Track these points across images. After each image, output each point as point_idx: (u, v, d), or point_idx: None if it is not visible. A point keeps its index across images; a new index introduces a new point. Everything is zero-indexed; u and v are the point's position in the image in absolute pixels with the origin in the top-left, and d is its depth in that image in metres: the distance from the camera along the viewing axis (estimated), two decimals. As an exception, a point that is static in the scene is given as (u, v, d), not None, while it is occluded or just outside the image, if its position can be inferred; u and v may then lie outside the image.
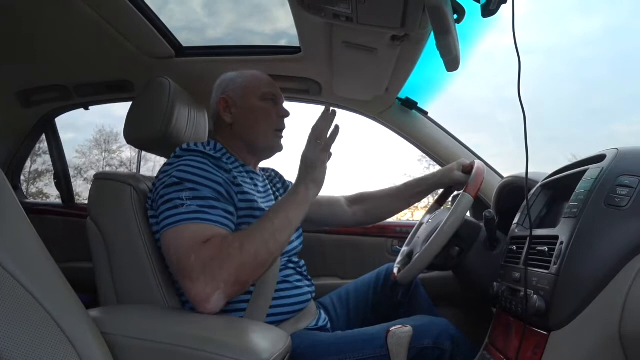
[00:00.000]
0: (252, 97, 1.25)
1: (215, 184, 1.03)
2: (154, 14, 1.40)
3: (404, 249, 1.44)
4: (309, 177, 1.05)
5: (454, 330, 1.11)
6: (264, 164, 1.37)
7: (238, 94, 1.25)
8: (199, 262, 0.89)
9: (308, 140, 1.07)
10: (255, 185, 1.24)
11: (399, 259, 1.41)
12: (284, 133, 1.30)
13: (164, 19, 1.56)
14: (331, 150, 1.07)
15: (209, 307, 0.89)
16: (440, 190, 1.58)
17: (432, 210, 1.57)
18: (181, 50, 1.62)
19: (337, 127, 1.07)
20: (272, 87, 1.29)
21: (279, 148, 1.29)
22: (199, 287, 0.88)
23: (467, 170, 1.44)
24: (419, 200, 1.58)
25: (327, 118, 1.06)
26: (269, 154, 1.31)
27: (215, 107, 1.27)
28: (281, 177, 1.49)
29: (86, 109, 2.03)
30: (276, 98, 1.28)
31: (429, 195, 1.66)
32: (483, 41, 1.44)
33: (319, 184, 1.07)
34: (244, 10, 1.65)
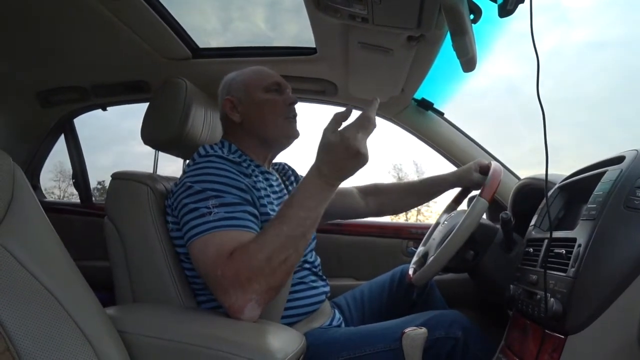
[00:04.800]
0: (256, 91, 1.23)
1: (239, 190, 1.02)
2: (170, 15, 1.41)
3: (420, 249, 1.44)
4: (347, 168, 0.93)
5: (465, 320, 1.10)
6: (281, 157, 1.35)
7: (241, 92, 1.23)
8: (226, 276, 0.88)
9: (356, 129, 0.91)
10: (271, 185, 1.23)
11: (414, 259, 1.40)
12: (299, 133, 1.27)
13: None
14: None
15: (244, 317, 0.88)
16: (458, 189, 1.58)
17: (449, 209, 1.56)
18: (198, 52, 1.63)
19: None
20: (274, 77, 1.26)
21: (295, 134, 1.25)
22: (230, 299, 0.88)
23: (485, 170, 1.43)
24: (433, 199, 1.58)
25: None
26: (285, 144, 1.26)
27: (222, 110, 1.26)
28: (294, 171, 1.47)
29: (104, 109, 2.07)
30: (280, 87, 1.25)
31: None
32: (501, 41, 1.43)
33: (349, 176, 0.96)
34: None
